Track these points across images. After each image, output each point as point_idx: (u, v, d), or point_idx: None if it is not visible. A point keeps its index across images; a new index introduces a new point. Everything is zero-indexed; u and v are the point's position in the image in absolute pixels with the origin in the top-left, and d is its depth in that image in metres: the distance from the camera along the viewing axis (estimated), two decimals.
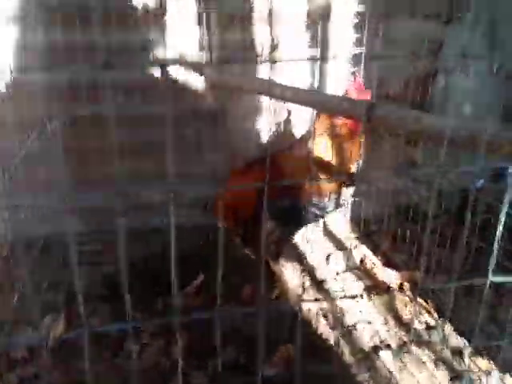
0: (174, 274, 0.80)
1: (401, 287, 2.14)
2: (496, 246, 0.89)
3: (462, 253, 2.02)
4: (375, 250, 2.44)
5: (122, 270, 0.87)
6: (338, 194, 1.81)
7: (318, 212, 1.82)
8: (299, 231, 2.09)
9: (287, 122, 2.44)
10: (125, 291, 0.83)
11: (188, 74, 2.11)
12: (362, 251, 2.41)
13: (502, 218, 0.85)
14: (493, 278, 0.87)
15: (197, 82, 2.27)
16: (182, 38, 2.19)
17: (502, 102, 2.59)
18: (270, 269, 2.16)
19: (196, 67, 1.82)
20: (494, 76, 2.13)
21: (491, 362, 1.65)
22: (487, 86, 2.24)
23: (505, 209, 0.87)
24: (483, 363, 1.70)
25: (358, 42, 2.32)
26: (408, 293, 2.10)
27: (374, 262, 2.33)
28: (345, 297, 1.98)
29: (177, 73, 2.23)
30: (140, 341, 1.94)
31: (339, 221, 2.62)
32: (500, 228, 0.87)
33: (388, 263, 2.34)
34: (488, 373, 1.63)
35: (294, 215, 1.83)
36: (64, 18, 2.03)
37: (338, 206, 1.91)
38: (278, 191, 1.81)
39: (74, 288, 2.19)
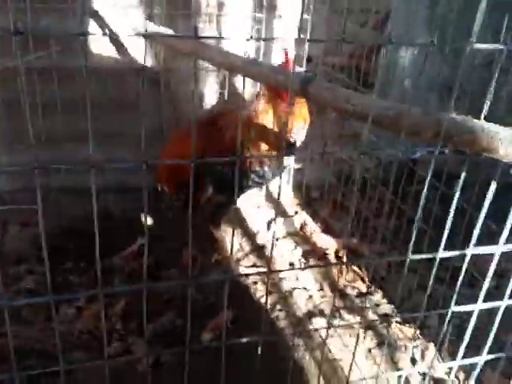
0: (97, 239, 0.78)
1: (337, 254, 2.21)
2: (417, 218, 0.92)
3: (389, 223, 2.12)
4: (315, 217, 2.50)
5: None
6: (278, 162, 1.82)
7: (257, 179, 1.82)
8: (240, 197, 2.09)
9: (233, 84, 2.40)
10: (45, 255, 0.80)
11: (129, 31, 2.02)
12: (302, 218, 2.46)
13: (424, 192, 0.88)
14: (411, 257, 0.91)
15: (137, 39, 2.19)
16: None
17: (443, 77, 2.66)
18: (211, 233, 2.18)
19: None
20: (436, 51, 2.18)
21: (417, 330, 1.74)
22: (429, 60, 2.28)
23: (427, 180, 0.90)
24: (409, 331, 1.79)
25: (306, 10, 2.28)
26: (344, 259, 2.17)
27: (313, 229, 2.38)
28: (278, 271, 2.01)
29: (117, 28, 2.13)
30: (76, 305, 1.92)
31: (282, 187, 2.65)
32: (422, 199, 0.90)
33: (327, 230, 2.40)
34: (412, 339, 1.73)
35: (233, 180, 1.83)
36: None
37: (277, 174, 1.92)
38: (216, 154, 1.80)
39: (6, 248, 2.13)
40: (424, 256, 0.97)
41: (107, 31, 2.14)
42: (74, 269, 2.10)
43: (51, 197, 2.27)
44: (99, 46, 2.17)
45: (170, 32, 1.48)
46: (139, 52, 2.23)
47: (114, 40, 2.19)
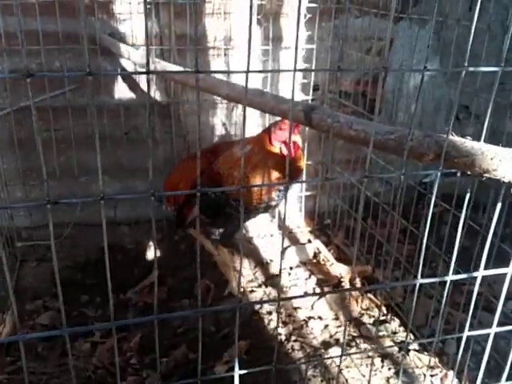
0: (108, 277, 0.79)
1: (352, 281, 2.19)
2: (424, 244, 0.92)
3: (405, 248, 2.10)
4: (328, 244, 2.48)
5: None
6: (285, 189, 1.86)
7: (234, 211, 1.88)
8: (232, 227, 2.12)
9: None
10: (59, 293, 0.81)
11: (139, 65, 2.08)
12: (315, 245, 2.45)
13: (429, 217, 0.88)
14: (422, 281, 0.90)
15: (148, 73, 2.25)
16: (130, 28, 2.16)
17: (450, 101, 2.67)
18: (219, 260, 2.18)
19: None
20: (442, 75, 2.20)
21: (435, 357, 1.70)
22: (436, 84, 2.30)
23: (432, 203, 0.90)
24: (427, 358, 1.75)
25: (310, 39, 2.34)
26: (359, 287, 2.15)
27: (327, 257, 2.37)
28: (290, 298, 2.00)
29: (127, 64, 2.20)
30: (91, 339, 1.92)
31: (294, 214, 2.65)
32: (427, 224, 0.90)
33: (341, 257, 2.38)
34: (431, 367, 1.69)
35: (216, 205, 1.89)
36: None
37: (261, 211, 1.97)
38: (208, 181, 1.86)
39: (23, 284, 2.15)
40: (434, 280, 0.96)
41: (117, 68, 2.21)
42: (90, 303, 2.10)
43: (66, 232, 2.30)
44: (112, 82, 2.24)
45: (176, 67, 1.52)
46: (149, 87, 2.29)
47: (126, 76, 2.25)
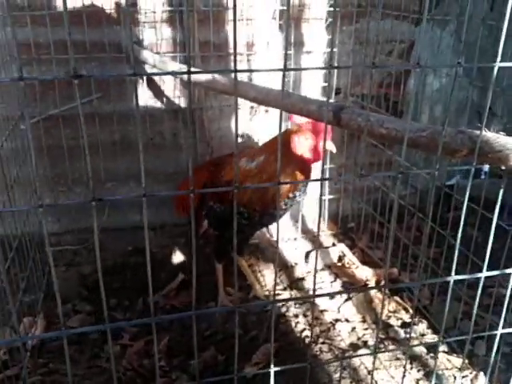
0: (150, 277, 0.81)
1: (378, 284, 2.18)
2: (457, 243, 0.92)
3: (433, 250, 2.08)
4: (353, 247, 2.48)
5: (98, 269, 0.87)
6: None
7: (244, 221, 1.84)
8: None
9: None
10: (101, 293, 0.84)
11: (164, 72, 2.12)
12: (339, 249, 2.45)
13: (462, 216, 0.89)
14: (455, 277, 0.90)
15: (172, 79, 2.29)
16: (155, 36, 2.20)
17: (472, 102, 2.65)
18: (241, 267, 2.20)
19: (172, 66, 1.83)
20: (463, 76, 2.19)
21: (465, 359, 1.68)
22: (458, 85, 2.29)
23: (465, 205, 0.90)
24: (457, 360, 1.74)
25: (330, 43, 2.35)
26: (383, 293, 2.14)
27: (351, 260, 2.36)
28: (323, 295, 2.00)
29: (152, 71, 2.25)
30: (121, 342, 1.94)
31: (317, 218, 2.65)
32: (461, 225, 0.90)
33: (366, 260, 2.37)
34: (461, 369, 1.67)
35: (224, 217, 1.89)
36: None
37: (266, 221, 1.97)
38: (213, 194, 1.87)
39: (52, 288, 2.20)
40: (468, 276, 0.96)
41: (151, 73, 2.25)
42: (118, 306, 2.13)
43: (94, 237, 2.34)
44: (136, 90, 2.28)
45: (207, 75, 1.55)
46: (174, 93, 2.33)
47: (151, 83, 2.30)
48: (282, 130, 1.78)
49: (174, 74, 1.74)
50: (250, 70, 2.11)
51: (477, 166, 0.79)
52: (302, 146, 1.72)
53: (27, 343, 1.79)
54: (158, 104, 2.34)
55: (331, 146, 1.71)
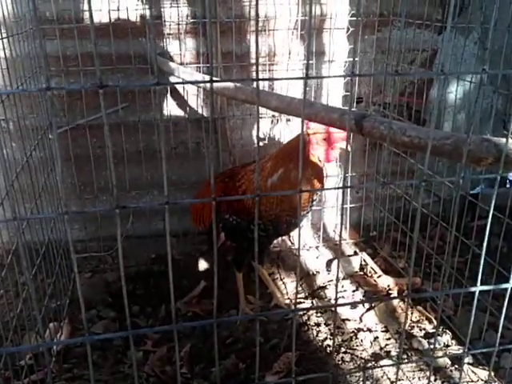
0: (171, 284, 0.82)
1: (400, 294, 2.15)
2: (484, 252, 0.91)
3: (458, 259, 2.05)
4: (375, 256, 2.46)
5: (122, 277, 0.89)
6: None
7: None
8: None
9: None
10: (125, 299, 0.85)
11: (187, 81, 2.15)
12: (361, 258, 2.43)
13: (488, 225, 0.88)
14: (481, 288, 0.89)
15: (195, 89, 2.33)
16: (179, 47, 2.24)
17: (496, 110, 2.62)
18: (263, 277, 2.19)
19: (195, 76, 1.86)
20: (487, 84, 2.17)
21: (491, 371, 1.65)
22: (481, 93, 2.26)
23: (490, 214, 0.90)
24: (482, 372, 1.70)
25: (352, 52, 2.36)
26: (406, 302, 2.11)
27: (373, 269, 2.34)
28: (345, 304, 1.98)
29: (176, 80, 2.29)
30: (143, 348, 1.96)
31: (339, 227, 2.64)
32: (486, 234, 0.89)
33: (388, 270, 2.35)
34: (486, 382, 1.64)
35: (240, 230, 1.90)
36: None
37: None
38: (228, 207, 1.88)
39: (78, 294, 2.23)
40: (494, 287, 0.95)
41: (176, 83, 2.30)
42: (141, 313, 2.16)
43: (118, 245, 2.38)
44: (161, 99, 2.33)
45: (230, 84, 1.58)
46: (197, 103, 2.36)
47: (175, 94, 2.34)
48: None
49: (196, 82, 1.76)
50: (272, 79, 2.13)
51: (502, 174, 0.79)
52: (317, 148, 1.76)
53: (52, 348, 1.82)
54: (182, 114, 2.38)
55: (343, 145, 1.75)
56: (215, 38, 2.22)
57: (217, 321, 0.92)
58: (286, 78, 0.71)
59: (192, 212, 2.23)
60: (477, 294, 0.90)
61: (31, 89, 1.70)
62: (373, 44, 2.39)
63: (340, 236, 0.83)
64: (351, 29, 2.31)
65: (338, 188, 0.79)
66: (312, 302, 2.12)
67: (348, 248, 2.54)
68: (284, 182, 1.76)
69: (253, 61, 2.33)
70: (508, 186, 2.94)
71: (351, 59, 2.36)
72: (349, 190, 2.62)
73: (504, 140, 0.76)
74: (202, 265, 2.41)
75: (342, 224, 0.80)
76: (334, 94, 2.43)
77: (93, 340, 0.90)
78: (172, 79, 2.28)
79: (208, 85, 1.65)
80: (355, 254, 2.48)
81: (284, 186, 1.76)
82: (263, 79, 0.74)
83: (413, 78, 2.43)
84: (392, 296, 2.14)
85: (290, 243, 2.52)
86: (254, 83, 0.74)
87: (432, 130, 0.85)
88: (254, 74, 2.36)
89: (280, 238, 2.36)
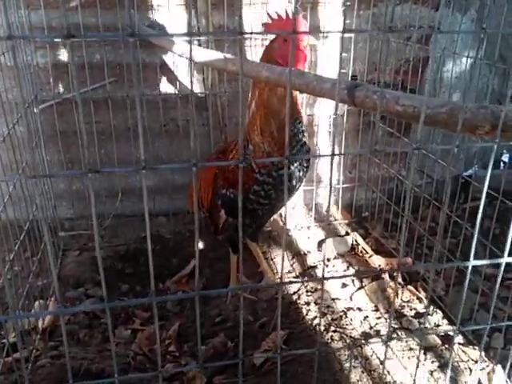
0: (150, 254, 0.79)
1: (392, 274, 2.14)
2: (477, 229, 0.88)
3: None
4: (366, 237, 2.44)
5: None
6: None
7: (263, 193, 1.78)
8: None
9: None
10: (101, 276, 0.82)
11: (177, 56, 2.10)
12: (353, 238, 2.41)
13: (481, 206, 0.85)
14: (474, 262, 0.87)
15: (186, 65, 2.27)
16: (169, 19, 2.17)
17: (492, 90, 2.58)
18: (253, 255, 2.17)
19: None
20: (484, 60, 2.12)
21: (481, 350, 1.64)
22: (478, 70, 2.22)
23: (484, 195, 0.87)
24: (472, 352, 1.69)
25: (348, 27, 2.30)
26: (396, 278, 2.10)
27: (365, 249, 2.33)
28: (333, 277, 1.97)
29: (165, 55, 2.23)
30: (132, 327, 1.94)
31: (331, 207, 2.62)
32: (479, 214, 0.86)
33: (379, 250, 2.34)
34: (476, 362, 1.63)
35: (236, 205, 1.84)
36: None
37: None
38: (224, 181, 1.84)
39: (64, 272, 2.19)
40: (488, 262, 0.92)
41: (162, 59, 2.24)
42: (130, 291, 2.14)
43: (106, 223, 2.35)
44: (150, 74, 2.27)
45: (215, 54, 1.52)
46: (187, 79, 2.30)
47: (165, 69, 2.28)
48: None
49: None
50: (257, 33, 2.05)
51: (501, 142, 0.75)
52: (282, 51, 1.64)
53: (37, 326, 1.79)
54: (172, 90, 2.32)
55: (312, 40, 1.66)
56: (206, 10, 2.15)
57: (200, 294, 0.89)
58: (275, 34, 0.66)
59: (189, 195, 2.20)
60: (469, 268, 0.88)
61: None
62: (368, 19, 2.33)
63: (329, 199, 0.80)
64: (347, 3, 2.25)
65: (327, 156, 0.75)
66: (302, 282, 2.10)
67: (340, 228, 2.51)
68: (260, 107, 1.70)
69: (246, 35, 2.27)
70: (502, 167, 2.92)
71: (346, 35, 2.31)
72: (341, 169, 2.59)
73: (501, 107, 0.73)
74: (193, 244, 2.38)
75: (331, 188, 0.77)
76: (328, 71, 2.38)
77: (67, 312, 0.87)
78: (162, 54, 2.23)
79: (197, 58, 1.60)
80: (347, 234, 2.45)
81: (262, 112, 1.71)
82: (246, 33, 0.69)
83: (408, 55, 2.38)
84: (382, 270, 2.12)
85: (281, 223, 2.49)
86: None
87: (426, 98, 0.81)
88: (248, 48, 2.29)
89: (272, 218, 2.32)
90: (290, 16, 1.60)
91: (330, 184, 0.77)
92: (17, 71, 1.59)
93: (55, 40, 2.09)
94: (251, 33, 2.05)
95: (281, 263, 2.25)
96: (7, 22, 0.57)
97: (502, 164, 2.95)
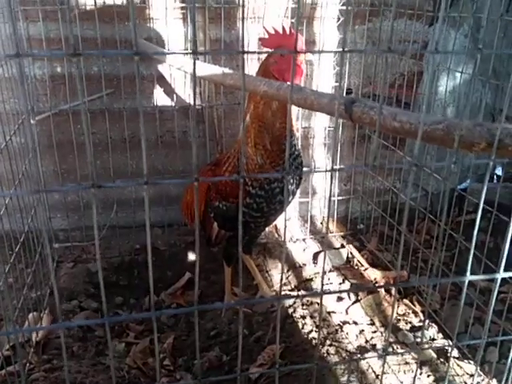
0: (150, 269, 0.79)
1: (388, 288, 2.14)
2: (473, 244, 0.89)
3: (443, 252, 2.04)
4: (362, 249, 2.45)
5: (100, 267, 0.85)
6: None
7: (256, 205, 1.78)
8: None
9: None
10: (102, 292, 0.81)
11: (174, 69, 2.11)
12: (348, 250, 2.41)
13: (478, 219, 0.86)
14: (471, 277, 0.87)
15: (183, 77, 2.28)
16: (166, 32, 2.19)
17: (487, 105, 2.61)
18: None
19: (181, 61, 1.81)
20: (478, 76, 2.15)
21: (476, 365, 1.64)
22: (472, 86, 2.25)
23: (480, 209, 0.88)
24: (468, 366, 1.69)
25: (342, 42, 2.32)
26: (394, 293, 2.10)
27: (360, 262, 2.33)
28: (331, 292, 1.96)
29: (162, 67, 2.24)
30: (126, 340, 1.93)
31: (326, 219, 2.63)
32: (476, 228, 0.87)
33: (374, 263, 2.34)
34: (472, 376, 1.63)
35: (233, 216, 1.84)
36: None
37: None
38: (216, 193, 1.84)
39: (58, 285, 2.17)
40: (484, 277, 0.93)
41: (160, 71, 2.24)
42: (124, 304, 2.12)
43: (101, 234, 2.34)
44: (148, 86, 2.27)
45: (212, 68, 1.53)
46: (184, 91, 2.32)
47: (161, 81, 2.29)
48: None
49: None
50: (260, 52, 2.06)
51: (496, 160, 0.76)
52: (279, 66, 1.65)
53: (31, 339, 1.77)
54: (169, 102, 2.33)
55: (309, 56, 1.70)
56: (204, 24, 2.17)
57: (198, 308, 0.89)
58: (273, 52, 0.67)
59: (183, 208, 2.18)
60: (466, 283, 0.88)
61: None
62: (363, 34, 2.36)
63: (328, 218, 0.80)
64: (342, 18, 2.28)
65: (326, 171, 0.76)
66: (298, 294, 2.09)
67: (335, 241, 2.52)
68: (255, 120, 1.69)
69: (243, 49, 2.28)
70: (495, 181, 2.94)
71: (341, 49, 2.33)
72: (336, 182, 2.61)
73: (497, 125, 0.74)
74: (188, 256, 2.37)
75: (330, 203, 0.77)
76: (323, 85, 2.40)
77: (67, 327, 0.86)
78: (159, 66, 2.24)
79: (196, 72, 1.61)
80: (342, 246, 2.46)
81: (256, 124, 1.69)
82: (249, 52, 0.70)
83: (402, 70, 2.41)
84: (379, 285, 2.12)
85: (276, 235, 2.50)
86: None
87: (423, 115, 0.82)
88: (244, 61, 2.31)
89: (267, 229, 2.32)
90: (287, 31, 1.62)
91: (330, 199, 0.77)
92: (22, 85, 1.59)
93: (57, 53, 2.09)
94: (254, 52, 2.06)
95: (276, 276, 2.24)
96: (16, 39, 0.58)
97: (495, 177, 2.97)
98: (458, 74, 2.25)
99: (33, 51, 2.06)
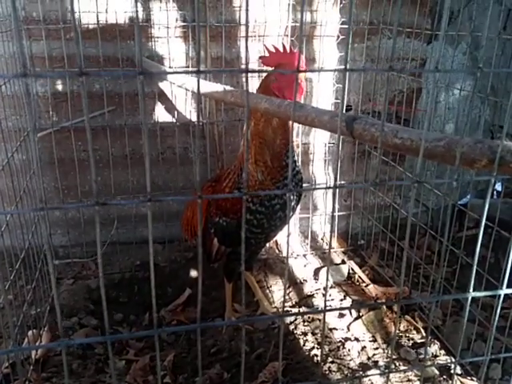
0: (153, 286, 0.79)
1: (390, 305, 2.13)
2: (476, 260, 0.89)
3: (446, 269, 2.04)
4: (363, 265, 2.44)
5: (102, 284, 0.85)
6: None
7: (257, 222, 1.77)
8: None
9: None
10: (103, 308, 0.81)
11: (175, 86, 2.12)
12: (349, 266, 2.41)
13: (480, 235, 0.86)
14: (473, 294, 0.87)
15: (184, 94, 2.30)
16: (168, 50, 2.21)
17: (486, 121, 2.63)
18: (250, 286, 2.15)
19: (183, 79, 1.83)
20: (476, 94, 2.18)
21: (480, 382, 1.63)
22: (471, 103, 2.27)
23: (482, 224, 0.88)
24: (471, 383, 1.68)
25: (343, 61, 2.35)
26: (397, 309, 2.09)
27: (361, 278, 2.32)
28: (333, 309, 1.95)
29: (164, 85, 2.26)
30: (126, 357, 1.91)
31: (327, 235, 2.62)
32: (478, 244, 0.87)
33: (376, 279, 2.33)
34: None
35: (233, 232, 1.83)
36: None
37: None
38: (217, 209, 1.85)
39: (58, 301, 2.16)
40: (486, 294, 0.93)
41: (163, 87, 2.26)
42: (124, 321, 2.11)
43: (102, 250, 2.33)
44: (149, 103, 2.29)
45: (214, 85, 1.55)
46: (186, 108, 2.33)
47: (163, 98, 2.30)
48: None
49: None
50: (263, 71, 2.08)
51: (497, 176, 0.76)
52: (279, 83, 1.66)
53: (30, 357, 1.76)
54: (170, 119, 2.35)
55: (309, 74, 1.69)
56: (205, 43, 2.20)
57: (200, 326, 0.89)
58: (274, 71, 0.68)
59: (183, 224, 2.18)
60: (469, 300, 0.88)
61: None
62: (362, 52, 2.39)
63: (330, 236, 0.80)
64: (341, 36, 2.31)
65: (328, 188, 0.76)
66: (299, 311, 2.08)
67: (336, 256, 2.51)
68: (256, 136, 1.71)
69: (243, 66, 2.31)
70: (495, 196, 2.95)
71: (341, 67, 2.36)
72: (337, 197, 2.61)
73: (498, 142, 0.74)
74: (188, 273, 2.36)
75: (333, 219, 0.77)
76: (323, 102, 2.42)
77: (68, 344, 0.85)
78: (160, 84, 2.26)
79: (196, 88, 1.63)
80: (343, 262, 2.45)
81: (257, 140, 1.71)
82: (253, 71, 0.71)
83: (402, 87, 2.43)
84: (382, 302, 2.11)
85: (277, 251, 2.49)
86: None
87: (424, 132, 0.83)
88: (243, 79, 2.33)
89: (268, 245, 2.32)
90: (287, 49, 1.64)
91: (332, 215, 0.78)
92: (29, 103, 1.60)
93: (64, 73, 2.11)
94: (258, 71, 2.08)
95: (277, 292, 2.24)
96: (23, 59, 0.59)
97: (495, 193, 2.98)
98: (457, 91, 2.27)
99: (36, 69, 2.09)
